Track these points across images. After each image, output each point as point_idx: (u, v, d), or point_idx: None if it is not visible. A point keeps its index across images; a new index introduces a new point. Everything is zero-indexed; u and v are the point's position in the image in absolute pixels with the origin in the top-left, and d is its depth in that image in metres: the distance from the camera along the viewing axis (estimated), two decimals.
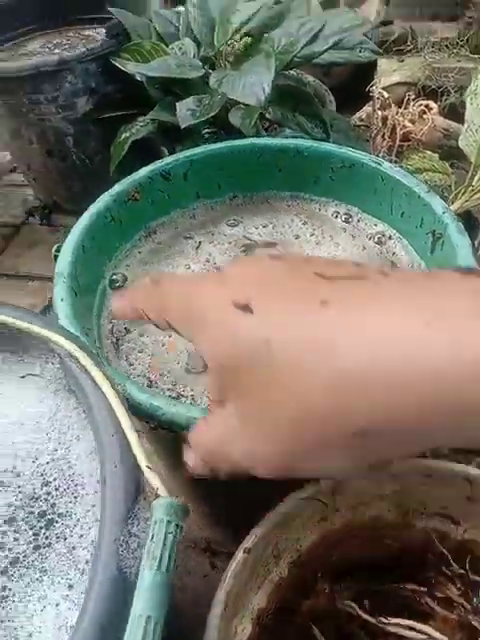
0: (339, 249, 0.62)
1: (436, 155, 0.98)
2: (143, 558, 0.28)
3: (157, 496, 0.31)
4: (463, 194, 0.86)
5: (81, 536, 0.36)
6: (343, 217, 0.66)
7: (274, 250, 0.62)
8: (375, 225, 0.64)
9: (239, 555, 0.43)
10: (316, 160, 0.64)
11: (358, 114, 1.58)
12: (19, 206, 1.47)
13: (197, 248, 0.64)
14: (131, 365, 0.53)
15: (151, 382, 0.50)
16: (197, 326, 0.23)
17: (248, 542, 0.43)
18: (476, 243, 0.89)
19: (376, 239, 0.63)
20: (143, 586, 0.27)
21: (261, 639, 0.48)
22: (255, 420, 0.22)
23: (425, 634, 0.46)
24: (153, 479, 0.31)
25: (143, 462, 0.32)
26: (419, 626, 0.46)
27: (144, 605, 0.26)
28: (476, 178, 0.85)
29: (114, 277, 0.61)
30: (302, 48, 0.85)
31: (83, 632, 0.27)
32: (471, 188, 0.85)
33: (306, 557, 0.50)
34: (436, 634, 0.45)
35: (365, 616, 0.48)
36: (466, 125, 0.86)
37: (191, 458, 0.30)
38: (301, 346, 0.19)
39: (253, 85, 0.76)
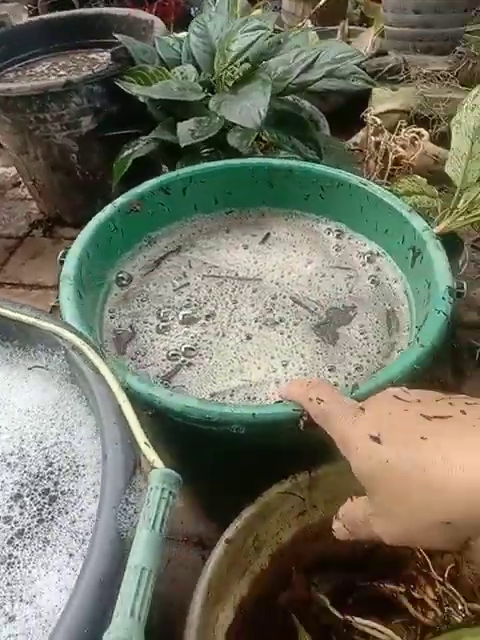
0: (305, 249, 0.67)
1: (424, 180, 1.03)
2: (140, 520, 0.32)
3: (153, 468, 0.34)
4: (449, 216, 0.90)
5: (82, 510, 0.40)
6: (335, 233, 0.70)
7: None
8: (365, 245, 0.68)
9: (220, 545, 0.46)
10: (306, 179, 0.68)
11: (353, 139, 1.65)
12: (23, 219, 1.51)
13: (177, 274, 0.68)
14: (132, 359, 0.57)
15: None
16: (347, 449, 0.34)
17: (229, 533, 0.47)
18: (460, 262, 0.94)
19: (366, 257, 0.67)
20: (139, 542, 0.30)
21: (243, 626, 0.51)
22: (386, 512, 0.32)
23: (387, 636, 0.49)
24: (150, 453, 0.35)
25: (142, 439, 0.36)
26: (382, 628, 0.49)
27: (139, 558, 0.29)
28: (460, 201, 0.90)
29: (120, 275, 0.66)
30: (297, 76, 0.90)
31: (84, 584, 0.31)
32: (456, 211, 0.89)
33: (286, 549, 0.53)
34: (396, 638, 0.48)
35: (334, 611, 0.51)
36: (452, 153, 0.91)
37: (337, 526, 0.40)
38: (408, 468, 0.29)
39: (249, 109, 0.81)
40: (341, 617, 0.51)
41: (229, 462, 0.54)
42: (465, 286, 0.54)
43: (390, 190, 1.11)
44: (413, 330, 0.54)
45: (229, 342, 0.57)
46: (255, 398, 0.52)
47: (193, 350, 0.57)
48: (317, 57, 0.90)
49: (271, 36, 1.07)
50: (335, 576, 0.57)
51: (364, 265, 0.66)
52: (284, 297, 0.62)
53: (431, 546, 0.44)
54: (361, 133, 1.58)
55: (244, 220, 0.73)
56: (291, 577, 0.55)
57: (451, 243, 0.96)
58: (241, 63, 0.92)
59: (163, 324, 0.60)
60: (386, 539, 0.33)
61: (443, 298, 0.50)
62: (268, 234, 0.71)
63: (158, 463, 0.34)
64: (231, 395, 0.52)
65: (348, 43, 1.84)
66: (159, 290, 0.65)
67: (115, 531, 0.32)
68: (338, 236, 0.70)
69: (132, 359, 0.57)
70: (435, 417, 0.31)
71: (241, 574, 0.51)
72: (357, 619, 0.50)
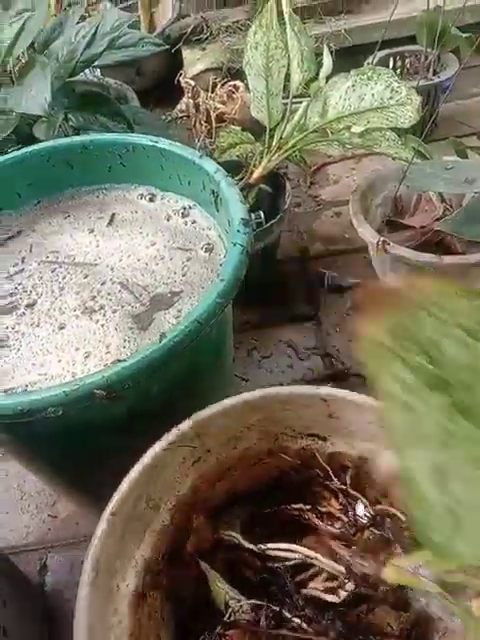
0: (150, 229, 0.65)
1: (239, 128, 1.04)
2: None
3: None
4: (266, 156, 0.92)
5: None
6: (148, 197, 0.69)
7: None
8: (177, 201, 0.68)
9: (104, 520, 0.44)
10: (102, 151, 0.67)
11: (178, 106, 1.64)
12: None
13: (14, 260, 0.65)
14: None
15: None
16: None
17: (112, 505, 0.44)
18: (286, 196, 0.97)
19: (181, 213, 0.67)
20: None
21: (155, 585, 0.49)
22: None
23: (300, 553, 0.49)
24: None
25: None
26: (294, 547, 0.50)
27: None
28: (273, 141, 0.92)
29: None
30: (82, 53, 0.88)
31: None
32: (270, 150, 0.91)
33: (188, 499, 0.52)
34: (309, 552, 0.49)
35: (245, 543, 0.50)
36: (252, 94, 0.92)
37: None
38: None
39: (35, 96, 0.78)
40: (254, 547, 0.51)
41: (78, 446, 0.53)
42: (262, 216, 0.55)
43: (212, 146, 1.12)
44: None
45: (41, 333, 0.55)
46: None
47: (3, 342, 0.55)
48: (97, 29, 0.88)
49: (53, 16, 1.03)
50: (243, 511, 0.57)
51: (195, 236, 0.64)
52: (113, 283, 0.60)
53: None
54: (184, 99, 1.57)
55: (85, 201, 0.70)
56: (191, 525, 0.55)
57: (274, 181, 0.98)
58: (23, 52, 0.88)
59: None
60: None
61: (238, 231, 0.51)
62: (113, 215, 0.68)
63: None
64: (25, 391, 0.50)
65: (152, 14, 1.82)
66: None
67: None
68: (151, 199, 0.69)
69: None
70: None
71: (140, 538, 0.49)
72: (270, 545, 0.50)
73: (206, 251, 0.61)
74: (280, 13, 0.88)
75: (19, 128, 0.92)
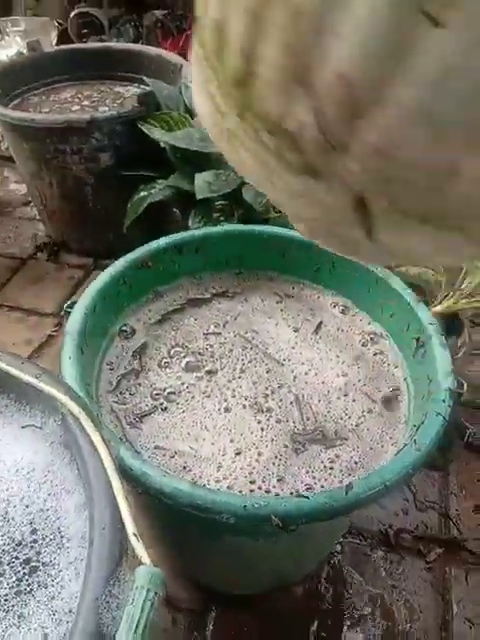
0: (347, 357, 0.65)
1: None
2: (122, 620, 0.31)
3: (140, 563, 0.34)
4: (452, 296, 0.91)
5: (62, 587, 0.39)
6: (340, 308, 0.70)
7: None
8: (368, 324, 0.68)
9: None
10: (319, 253, 0.69)
11: None
12: (28, 240, 1.51)
13: (201, 312, 0.69)
14: (121, 393, 0.58)
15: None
16: None
17: None
18: (459, 342, 0.95)
19: (369, 337, 0.67)
20: None
21: None
22: None
23: None
24: (139, 547, 0.34)
25: (131, 529, 0.35)
26: None
27: None
28: (465, 282, 0.91)
29: (124, 328, 0.66)
30: None
31: None
32: (460, 292, 0.90)
33: None
34: None
35: None
36: None
37: None
38: None
39: None
40: None
41: (204, 532, 0.54)
42: (465, 386, 0.54)
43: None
44: (409, 425, 0.54)
45: (208, 405, 0.57)
46: (190, 470, 0.51)
47: (174, 395, 0.58)
48: None
49: None
50: None
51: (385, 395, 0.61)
52: (289, 392, 0.60)
53: None
54: None
55: (288, 291, 0.73)
56: None
57: (451, 323, 0.97)
58: None
59: (167, 360, 0.62)
60: None
61: (443, 400, 0.50)
62: (320, 323, 0.69)
63: (145, 559, 0.33)
64: (171, 457, 0.52)
65: None
66: (193, 327, 0.67)
67: (96, 625, 0.32)
68: (343, 311, 0.70)
69: (121, 393, 0.58)
70: None
71: None
72: None
73: (370, 341, 0.62)
74: None
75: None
